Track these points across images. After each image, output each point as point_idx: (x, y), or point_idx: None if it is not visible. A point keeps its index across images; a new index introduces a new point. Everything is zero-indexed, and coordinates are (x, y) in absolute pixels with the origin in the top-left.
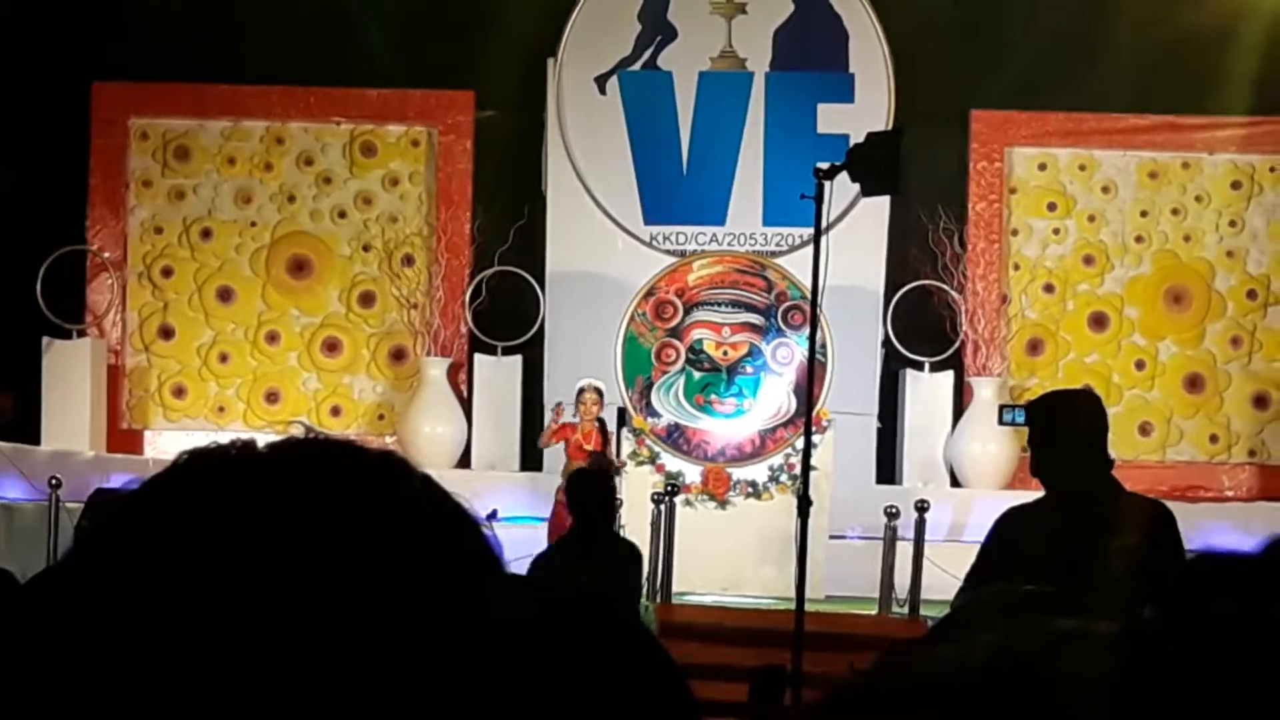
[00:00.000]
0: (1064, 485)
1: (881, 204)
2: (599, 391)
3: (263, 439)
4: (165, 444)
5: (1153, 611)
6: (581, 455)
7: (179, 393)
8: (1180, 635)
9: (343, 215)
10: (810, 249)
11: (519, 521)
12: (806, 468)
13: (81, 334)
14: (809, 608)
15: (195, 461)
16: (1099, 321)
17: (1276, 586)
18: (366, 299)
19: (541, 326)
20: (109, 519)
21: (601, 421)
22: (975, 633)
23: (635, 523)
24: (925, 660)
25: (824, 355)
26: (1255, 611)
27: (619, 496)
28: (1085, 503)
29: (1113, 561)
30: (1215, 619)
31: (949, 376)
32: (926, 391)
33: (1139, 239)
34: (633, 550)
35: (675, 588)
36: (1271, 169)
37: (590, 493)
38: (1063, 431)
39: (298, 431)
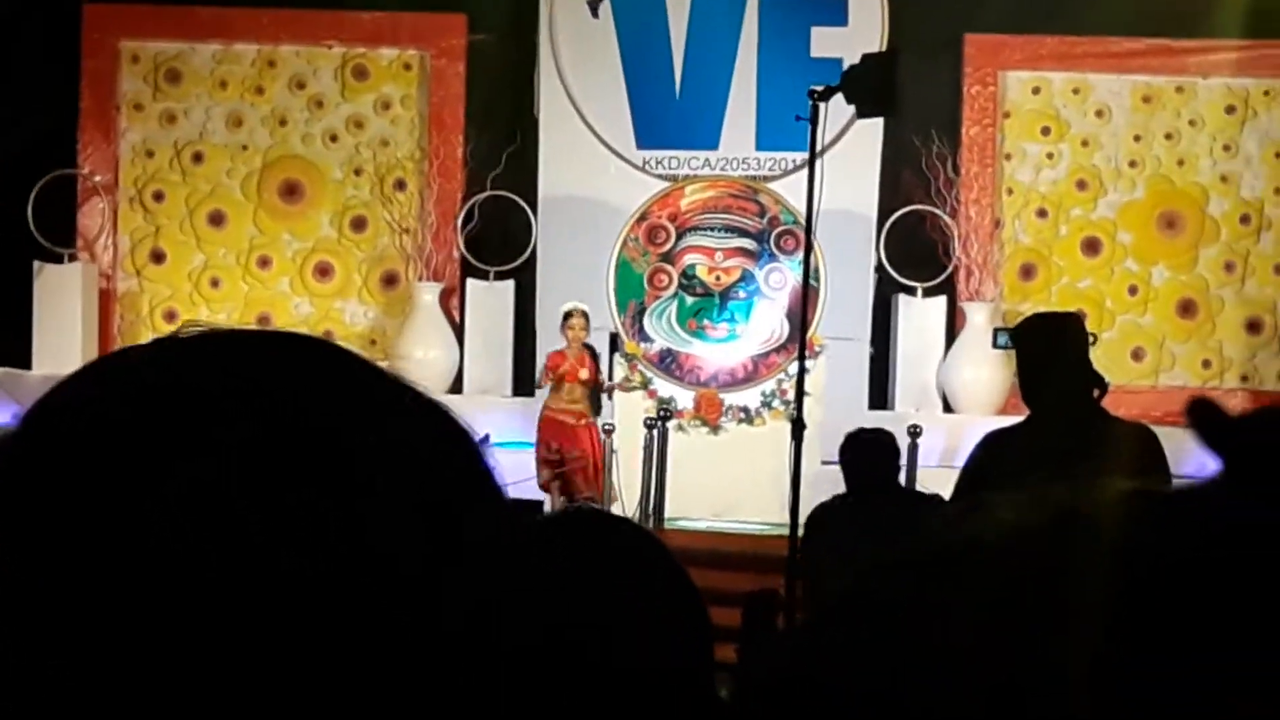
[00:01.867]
0: (1053, 409)
1: (875, 129)
2: (585, 315)
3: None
4: None
5: (1220, 469)
6: (571, 380)
7: (170, 317)
8: (1260, 491)
9: (334, 139)
10: (803, 174)
11: (512, 446)
12: (800, 393)
13: (73, 258)
14: (802, 533)
15: (100, 362)
16: (1092, 246)
17: None
18: (358, 223)
19: (534, 251)
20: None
21: (589, 346)
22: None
23: (627, 448)
24: (977, 524)
25: (817, 280)
26: None
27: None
28: (1071, 425)
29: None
30: None
31: (942, 302)
32: (919, 317)
33: (1132, 164)
34: (922, 499)
35: (668, 513)
36: (1266, 93)
37: (863, 460)
38: (1053, 355)
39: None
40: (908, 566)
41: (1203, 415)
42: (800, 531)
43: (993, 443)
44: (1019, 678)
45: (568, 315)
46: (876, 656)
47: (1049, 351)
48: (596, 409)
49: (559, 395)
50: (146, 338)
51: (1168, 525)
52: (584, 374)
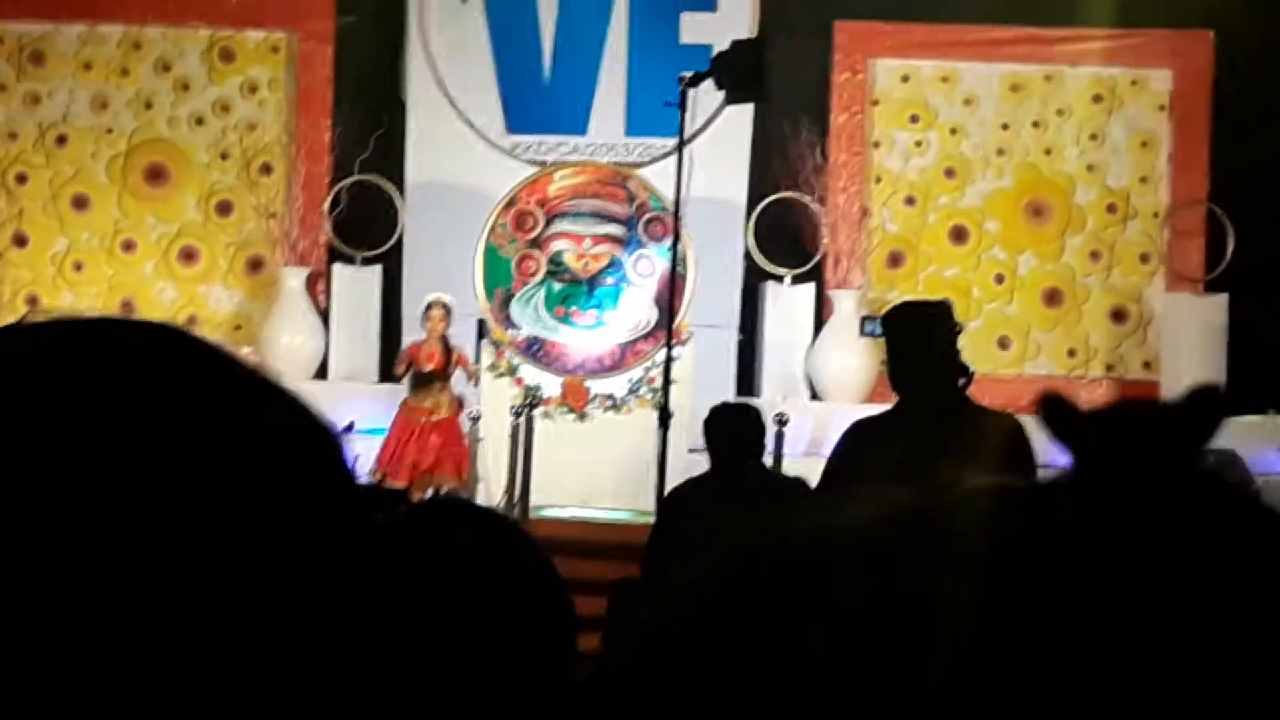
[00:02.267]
0: (921, 396)
1: (744, 116)
2: (446, 307)
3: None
4: None
5: (1070, 464)
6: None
7: (32, 302)
8: (1111, 486)
9: (200, 122)
10: (672, 160)
11: (376, 433)
12: (667, 380)
13: None
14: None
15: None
16: (959, 235)
17: (1202, 433)
18: (224, 208)
19: (401, 236)
20: None
21: (445, 339)
22: (866, 501)
23: (493, 436)
24: (823, 521)
25: (684, 267)
26: (1189, 459)
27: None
28: (938, 414)
29: (966, 473)
30: (1143, 469)
31: (809, 289)
32: (786, 304)
33: (1000, 152)
34: (794, 485)
35: (533, 501)
36: (1133, 82)
37: (724, 429)
38: (922, 343)
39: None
40: (762, 559)
41: (1053, 410)
42: None
43: (859, 431)
44: (873, 686)
45: (428, 307)
46: (725, 659)
47: (918, 339)
48: (457, 403)
49: (416, 391)
50: (8, 322)
51: (1018, 527)
52: (429, 366)
